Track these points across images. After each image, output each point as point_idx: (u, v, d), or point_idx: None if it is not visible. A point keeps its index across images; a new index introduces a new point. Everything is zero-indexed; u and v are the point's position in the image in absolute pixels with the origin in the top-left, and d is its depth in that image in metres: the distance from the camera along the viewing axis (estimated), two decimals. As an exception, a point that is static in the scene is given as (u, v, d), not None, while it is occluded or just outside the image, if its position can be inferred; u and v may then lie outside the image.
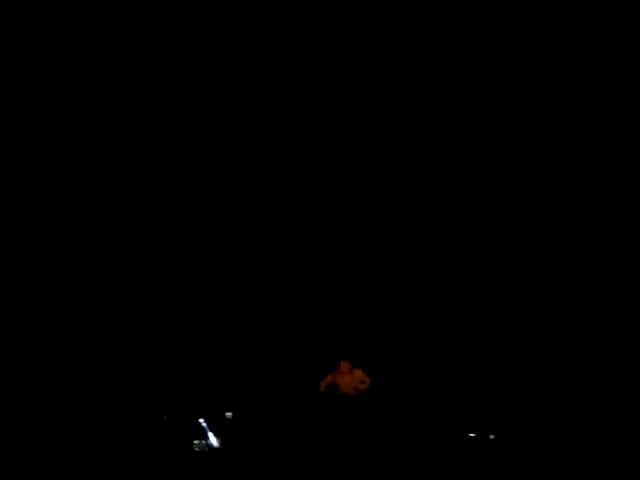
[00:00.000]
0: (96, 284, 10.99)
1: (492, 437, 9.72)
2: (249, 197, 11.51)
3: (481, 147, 11.32)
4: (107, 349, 10.66)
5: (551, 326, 10.95)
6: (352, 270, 11.52)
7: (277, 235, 11.53)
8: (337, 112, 11.32)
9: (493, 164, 11.31)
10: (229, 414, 9.89)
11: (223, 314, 11.31)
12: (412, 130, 11.36)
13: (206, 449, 9.34)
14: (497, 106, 11.14)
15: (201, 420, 9.51)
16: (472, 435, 9.86)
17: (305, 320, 11.39)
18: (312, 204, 11.51)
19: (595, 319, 10.80)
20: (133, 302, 11.00)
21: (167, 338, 10.91)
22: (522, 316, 11.08)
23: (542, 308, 11.07)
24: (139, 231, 11.25)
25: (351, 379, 10.12)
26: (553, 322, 10.95)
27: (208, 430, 9.44)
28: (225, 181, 11.45)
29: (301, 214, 11.54)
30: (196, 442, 9.30)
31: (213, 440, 9.46)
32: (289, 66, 11.05)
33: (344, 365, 10.14)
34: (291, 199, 11.52)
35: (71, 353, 10.60)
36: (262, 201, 11.51)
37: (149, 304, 11.02)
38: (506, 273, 11.29)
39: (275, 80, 11.13)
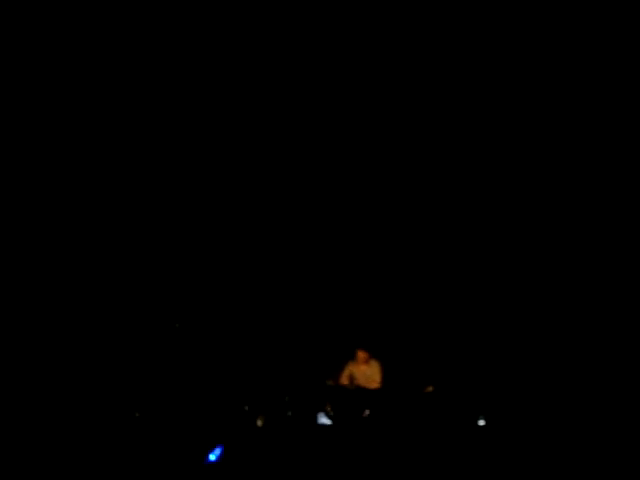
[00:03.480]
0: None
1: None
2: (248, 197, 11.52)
3: (481, 147, 11.38)
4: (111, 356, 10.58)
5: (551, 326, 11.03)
6: (367, 264, 11.34)
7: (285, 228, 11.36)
8: (337, 112, 11.33)
9: (493, 164, 11.39)
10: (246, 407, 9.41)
11: (237, 310, 11.09)
12: (412, 130, 11.41)
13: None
14: (497, 106, 11.21)
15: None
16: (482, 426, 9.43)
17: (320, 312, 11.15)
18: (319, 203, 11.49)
19: (595, 319, 10.89)
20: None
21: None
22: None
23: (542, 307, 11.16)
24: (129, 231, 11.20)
25: (367, 370, 9.73)
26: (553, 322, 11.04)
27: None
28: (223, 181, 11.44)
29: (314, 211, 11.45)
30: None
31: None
32: (289, 66, 11.04)
33: (361, 355, 9.73)
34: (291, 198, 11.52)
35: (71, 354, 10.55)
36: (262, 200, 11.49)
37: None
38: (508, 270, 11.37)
39: (275, 80, 11.12)
